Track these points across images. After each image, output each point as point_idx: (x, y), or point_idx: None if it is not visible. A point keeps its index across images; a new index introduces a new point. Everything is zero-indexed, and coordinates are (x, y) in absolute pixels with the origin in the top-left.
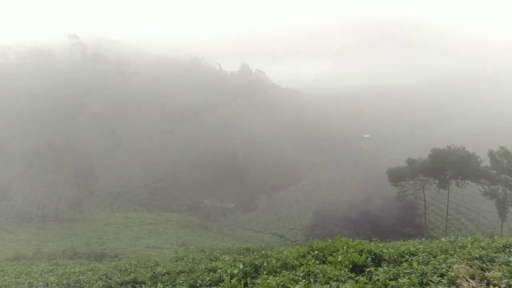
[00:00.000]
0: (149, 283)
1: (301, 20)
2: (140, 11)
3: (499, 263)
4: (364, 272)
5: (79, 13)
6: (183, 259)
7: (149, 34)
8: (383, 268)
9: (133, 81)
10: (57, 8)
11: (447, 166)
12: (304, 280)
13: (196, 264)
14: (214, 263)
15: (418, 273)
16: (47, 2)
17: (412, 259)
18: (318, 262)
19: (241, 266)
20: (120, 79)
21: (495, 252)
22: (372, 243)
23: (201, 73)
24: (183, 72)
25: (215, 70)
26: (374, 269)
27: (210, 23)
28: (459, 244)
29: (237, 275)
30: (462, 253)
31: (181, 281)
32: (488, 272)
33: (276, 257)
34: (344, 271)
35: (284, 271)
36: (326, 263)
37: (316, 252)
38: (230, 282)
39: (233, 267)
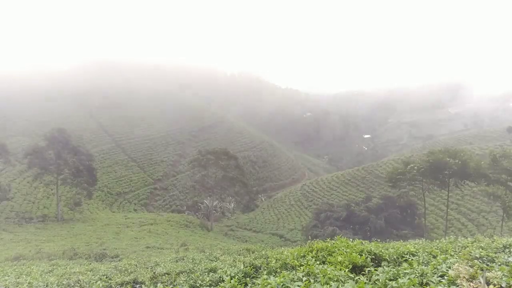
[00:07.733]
0: (149, 284)
1: (301, 21)
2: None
3: (499, 263)
4: (364, 272)
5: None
6: (183, 259)
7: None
8: (383, 268)
9: (133, 82)
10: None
11: (445, 167)
12: (304, 279)
13: (196, 265)
14: (214, 263)
15: (418, 273)
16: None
17: (412, 259)
18: (318, 262)
19: (241, 267)
20: (121, 79)
21: (495, 252)
22: (372, 244)
23: (201, 73)
24: (183, 73)
25: (215, 70)
26: (374, 269)
27: (208, 23)
28: (459, 244)
29: (237, 276)
30: (462, 253)
31: (181, 282)
32: (489, 272)
33: (276, 257)
34: (344, 271)
35: (284, 271)
36: (326, 264)
37: (316, 252)
38: (230, 282)
39: (233, 268)
